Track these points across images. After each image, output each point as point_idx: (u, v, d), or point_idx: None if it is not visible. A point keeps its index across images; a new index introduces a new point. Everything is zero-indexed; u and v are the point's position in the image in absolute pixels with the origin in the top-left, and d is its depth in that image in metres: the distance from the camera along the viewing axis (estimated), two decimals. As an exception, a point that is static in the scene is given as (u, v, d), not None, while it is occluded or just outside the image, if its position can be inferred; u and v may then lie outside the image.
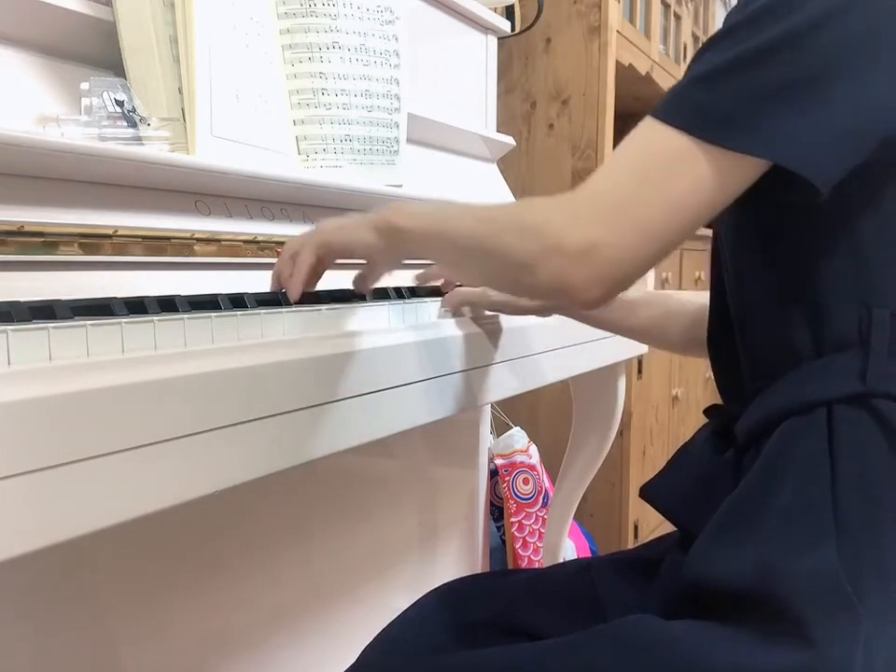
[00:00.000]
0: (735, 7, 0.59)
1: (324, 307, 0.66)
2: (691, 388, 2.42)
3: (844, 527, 0.55)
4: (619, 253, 0.53)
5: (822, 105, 0.52)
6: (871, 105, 0.53)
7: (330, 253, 0.67)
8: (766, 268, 0.64)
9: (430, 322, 0.75)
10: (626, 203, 0.54)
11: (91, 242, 0.63)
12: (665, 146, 0.54)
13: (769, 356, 0.64)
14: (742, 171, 0.54)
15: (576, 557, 1.67)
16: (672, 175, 0.53)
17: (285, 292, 0.67)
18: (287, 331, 0.61)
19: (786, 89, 0.52)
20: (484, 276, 0.66)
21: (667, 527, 0.73)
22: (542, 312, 0.81)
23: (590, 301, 0.55)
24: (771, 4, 0.54)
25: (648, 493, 0.74)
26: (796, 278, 0.62)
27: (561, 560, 1.39)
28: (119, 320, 0.49)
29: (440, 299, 0.80)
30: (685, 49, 2.50)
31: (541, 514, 1.64)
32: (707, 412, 0.75)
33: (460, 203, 0.68)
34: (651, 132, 0.55)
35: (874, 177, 0.56)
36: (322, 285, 0.71)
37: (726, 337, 0.69)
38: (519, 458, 1.65)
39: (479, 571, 1.37)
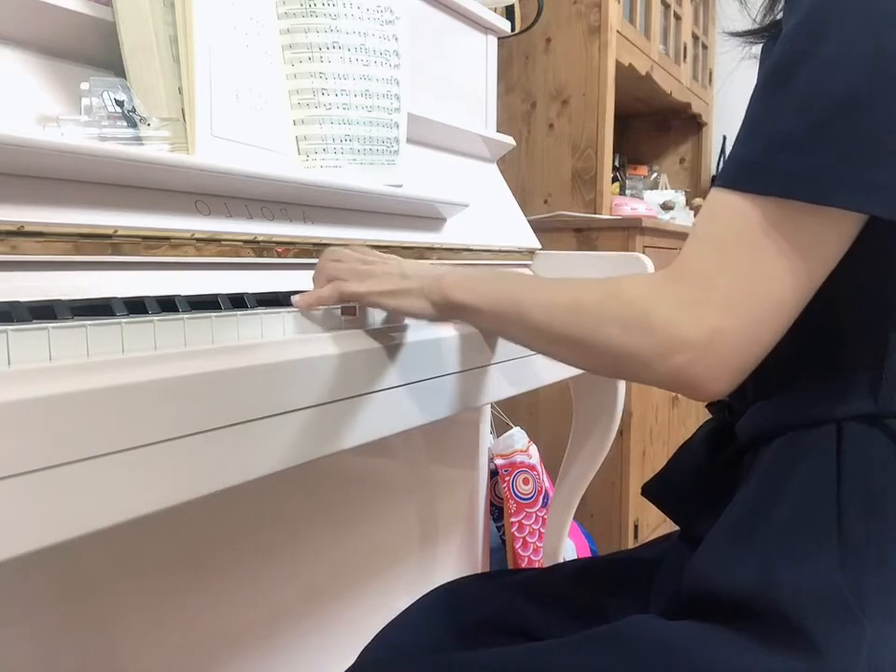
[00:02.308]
0: (782, 38, 0.53)
1: (322, 307, 0.66)
2: (691, 388, 2.41)
3: (847, 538, 0.55)
4: (743, 336, 0.50)
5: None
6: None
7: (377, 308, 0.66)
8: None
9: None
10: (740, 284, 0.50)
11: (91, 242, 0.63)
12: (765, 216, 0.50)
13: (780, 365, 0.63)
14: (853, 223, 0.51)
15: (576, 557, 1.67)
16: (782, 244, 0.50)
17: (286, 292, 0.67)
18: (287, 332, 0.61)
19: (884, 131, 0.49)
20: (580, 364, 0.62)
21: (667, 527, 0.73)
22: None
23: (713, 393, 0.51)
24: (838, 53, 0.49)
25: (649, 491, 0.74)
26: (818, 302, 0.60)
27: (561, 560, 1.39)
28: (118, 320, 0.49)
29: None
30: (685, 48, 2.50)
31: (541, 514, 1.64)
32: (710, 406, 0.75)
33: (517, 273, 0.64)
34: (738, 205, 0.51)
35: None
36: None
37: None
38: (519, 458, 1.65)
39: (479, 571, 1.37)
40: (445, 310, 0.62)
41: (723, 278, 0.50)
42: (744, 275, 0.50)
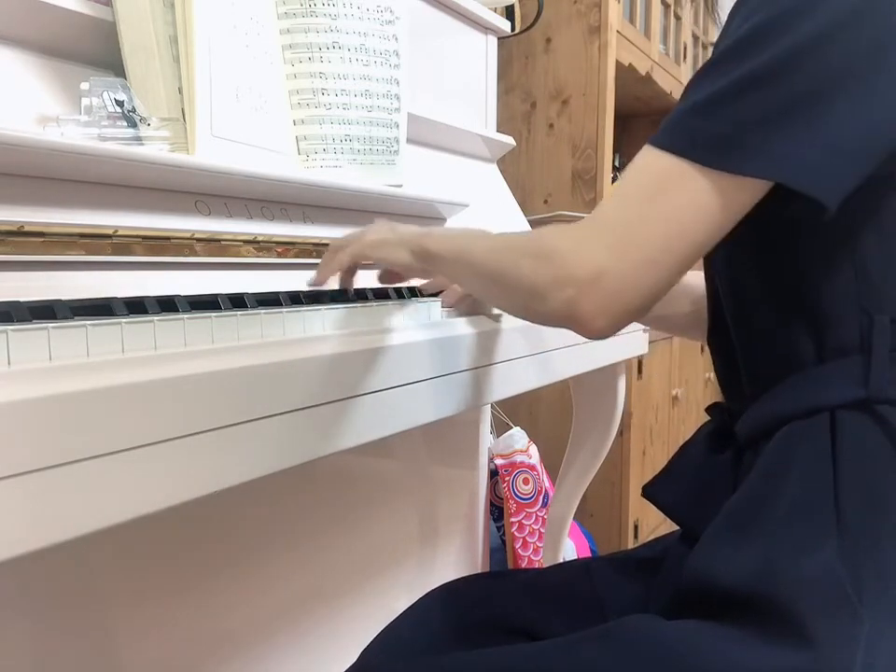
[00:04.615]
0: (722, 33, 0.59)
1: (324, 307, 0.66)
2: (691, 388, 2.42)
3: (845, 529, 0.55)
4: (623, 280, 0.53)
5: (824, 122, 0.52)
6: (875, 118, 0.53)
7: (367, 261, 0.71)
8: (765, 278, 0.63)
9: (433, 321, 0.75)
10: (628, 227, 0.53)
11: (91, 242, 0.63)
12: (663, 170, 0.54)
13: (769, 361, 0.64)
14: (745, 192, 0.54)
15: (576, 557, 1.67)
16: (671, 198, 0.53)
17: (286, 292, 0.67)
18: (287, 332, 0.61)
19: (786, 109, 0.52)
20: (503, 303, 0.67)
21: (667, 527, 0.73)
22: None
23: (596, 330, 0.54)
24: (763, 26, 0.53)
25: (649, 492, 0.74)
26: (796, 287, 0.61)
27: (561, 560, 1.39)
28: (118, 320, 0.49)
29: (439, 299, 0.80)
30: (685, 48, 2.50)
31: (541, 514, 1.64)
32: (708, 409, 0.75)
33: (485, 230, 0.68)
34: (649, 158, 0.55)
35: (874, 187, 0.56)
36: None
37: (724, 337, 0.69)
38: (519, 458, 1.65)
39: (479, 571, 1.37)
40: (421, 258, 0.67)
41: (613, 222, 0.55)
42: (631, 221, 0.54)
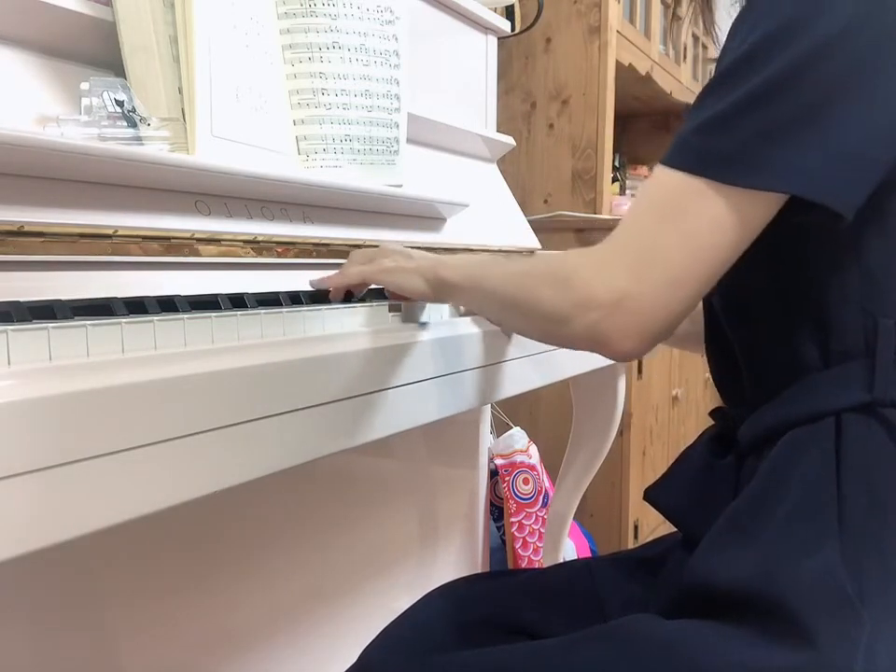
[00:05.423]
0: (724, 50, 0.58)
1: (324, 307, 0.66)
2: (691, 389, 2.42)
3: (847, 531, 0.55)
4: (646, 301, 0.53)
5: (831, 131, 0.52)
6: (881, 123, 0.53)
7: (379, 285, 0.72)
8: (770, 284, 0.63)
9: (434, 321, 0.74)
10: (646, 248, 0.53)
11: (91, 242, 0.63)
12: (677, 189, 0.54)
13: (773, 367, 0.64)
14: (760, 206, 0.54)
15: (576, 557, 1.67)
16: (688, 217, 0.53)
17: (286, 292, 0.67)
18: (287, 332, 0.61)
19: (792, 121, 0.52)
20: (523, 329, 0.67)
21: (668, 527, 0.73)
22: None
23: (625, 352, 0.54)
24: (765, 40, 0.53)
25: (651, 495, 0.74)
26: (801, 292, 0.61)
27: (561, 560, 1.39)
28: (118, 320, 0.49)
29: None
30: (685, 49, 2.50)
31: (541, 514, 1.64)
32: (712, 414, 0.75)
33: (500, 258, 0.68)
34: (662, 178, 0.55)
35: (878, 191, 0.56)
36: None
37: (721, 344, 0.69)
38: (519, 458, 1.65)
39: (479, 571, 1.37)
40: (436, 287, 0.67)
41: (633, 244, 0.55)
42: (649, 243, 0.54)
